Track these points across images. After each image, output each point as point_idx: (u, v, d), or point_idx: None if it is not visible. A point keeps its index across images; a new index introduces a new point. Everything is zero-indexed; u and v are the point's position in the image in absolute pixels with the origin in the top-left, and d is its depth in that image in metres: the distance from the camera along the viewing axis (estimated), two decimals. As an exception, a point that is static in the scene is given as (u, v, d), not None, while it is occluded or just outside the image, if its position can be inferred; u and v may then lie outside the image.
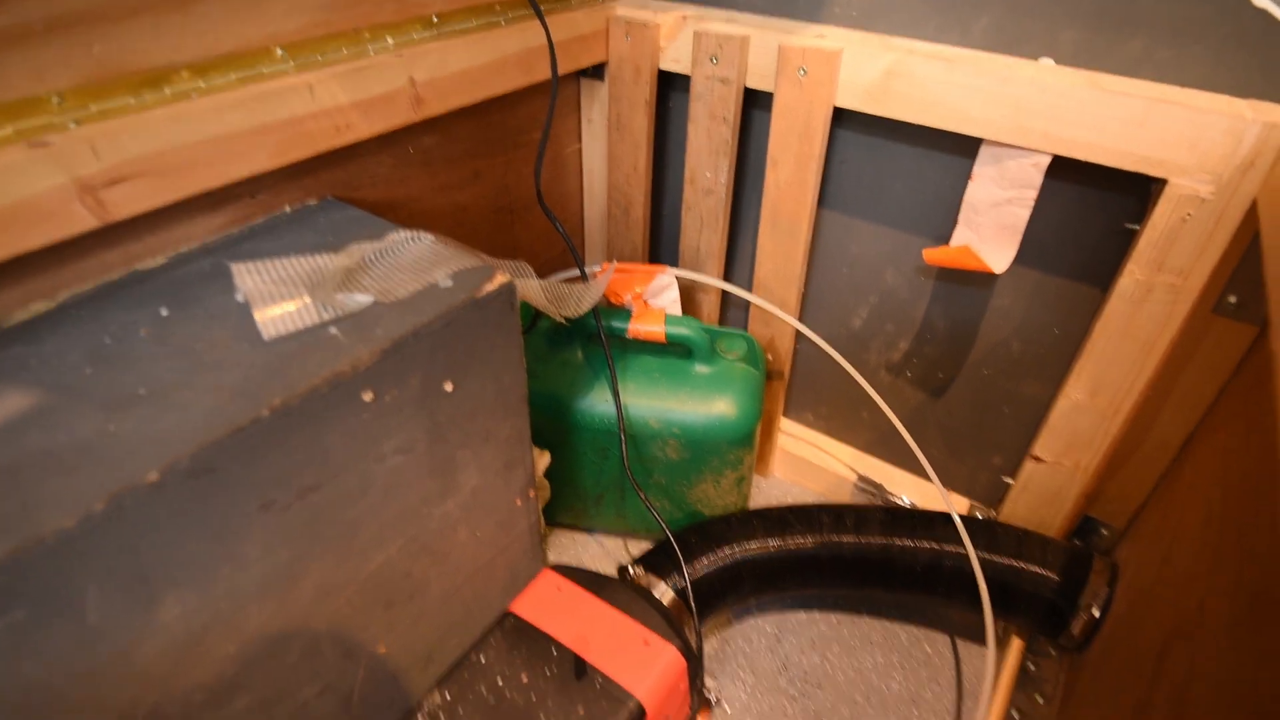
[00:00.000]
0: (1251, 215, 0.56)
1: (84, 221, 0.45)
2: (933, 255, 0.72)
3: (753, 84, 0.74)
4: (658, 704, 0.59)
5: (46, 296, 0.48)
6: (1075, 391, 0.71)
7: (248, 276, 0.49)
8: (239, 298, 0.47)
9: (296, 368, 0.42)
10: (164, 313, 0.47)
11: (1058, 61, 0.63)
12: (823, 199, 0.80)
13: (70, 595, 0.35)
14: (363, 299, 0.48)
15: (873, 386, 0.82)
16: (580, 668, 0.59)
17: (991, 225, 0.68)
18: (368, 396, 0.45)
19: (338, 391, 0.43)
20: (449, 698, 0.58)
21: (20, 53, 0.43)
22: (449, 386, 0.50)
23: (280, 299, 0.47)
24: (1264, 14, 0.54)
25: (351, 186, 0.65)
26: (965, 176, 0.68)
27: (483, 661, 0.61)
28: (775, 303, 0.83)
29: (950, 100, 0.64)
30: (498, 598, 0.65)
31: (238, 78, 0.52)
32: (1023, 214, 0.66)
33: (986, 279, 0.74)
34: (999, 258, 0.68)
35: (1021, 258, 0.71)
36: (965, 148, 0.68)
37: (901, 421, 0.80)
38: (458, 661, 0.61)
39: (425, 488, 0.52)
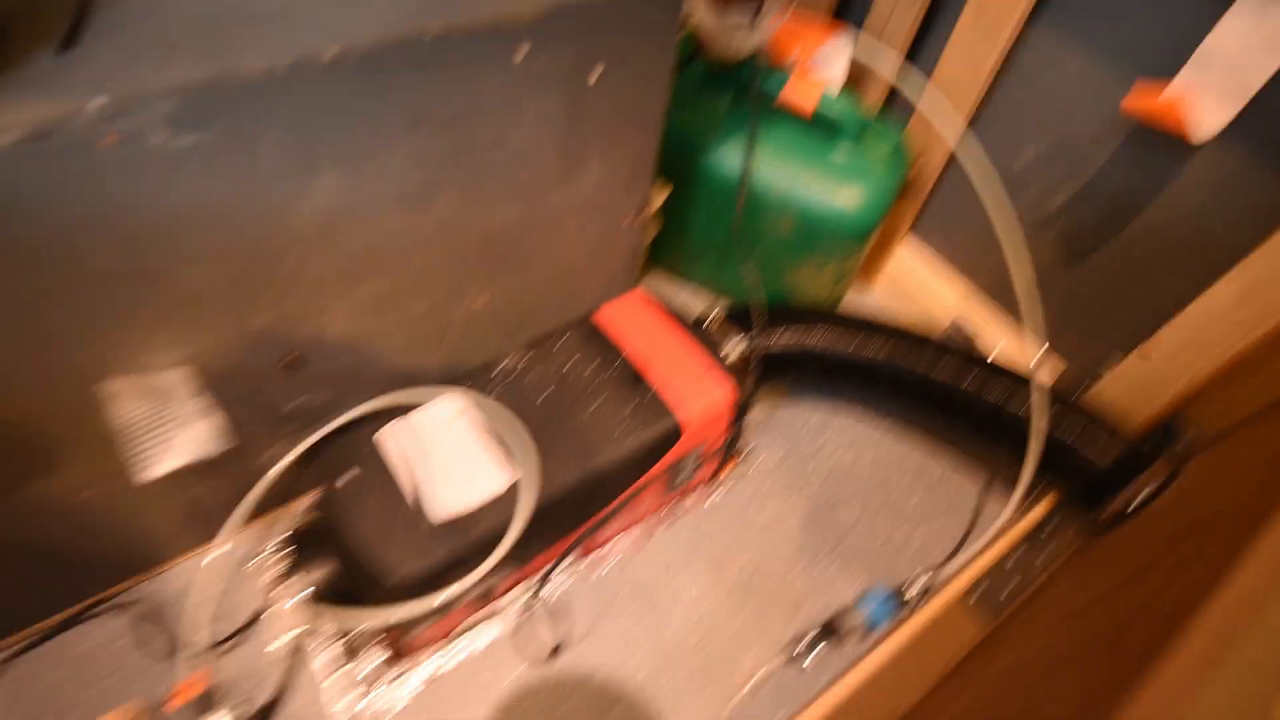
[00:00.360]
0: None
1: None
2: (1134, 105, 0.64)
3: None
4: (694, 431, 0.66)
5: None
6: (1221, 294, 0.66)
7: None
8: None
9: (465, 4, 0.45)
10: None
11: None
12: (1038, 10, 0.70)
13: (251, 135, 0.41)
14: (538, -42, 0.48)
15: (1012, 231, 0.78)
16: (637, 379, 0.66)
17: (1218, 82, 0.60)
18: (519, 54, 0.47)
19: (496, 38, 0.45)
20: (521, 365, 0.67)
21: None
22: (594, 76, 0.52)
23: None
24: None
25: None
26: (1211, 20, 0.59)
27: (557, 348, 0.68)
28: (947, 107, 0.77)
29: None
30: (588, 298, 0.71)
31: None
32: (1257, 80, 0.58)
33: (1180, 149, 0.66)
34: (1207, 121, 0.61)
35: (1225, 135, 0.62)
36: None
37: (1029, 276, 0.77)
38: (538, 340, 0.69)
39: (552, 167, 0.56)
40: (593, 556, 0.74)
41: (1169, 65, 0.64)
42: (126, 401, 0.46)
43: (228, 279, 0.47)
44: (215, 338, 0.49)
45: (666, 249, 0.88)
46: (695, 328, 0.72)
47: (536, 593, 0.69)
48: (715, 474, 0.80)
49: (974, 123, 0.81)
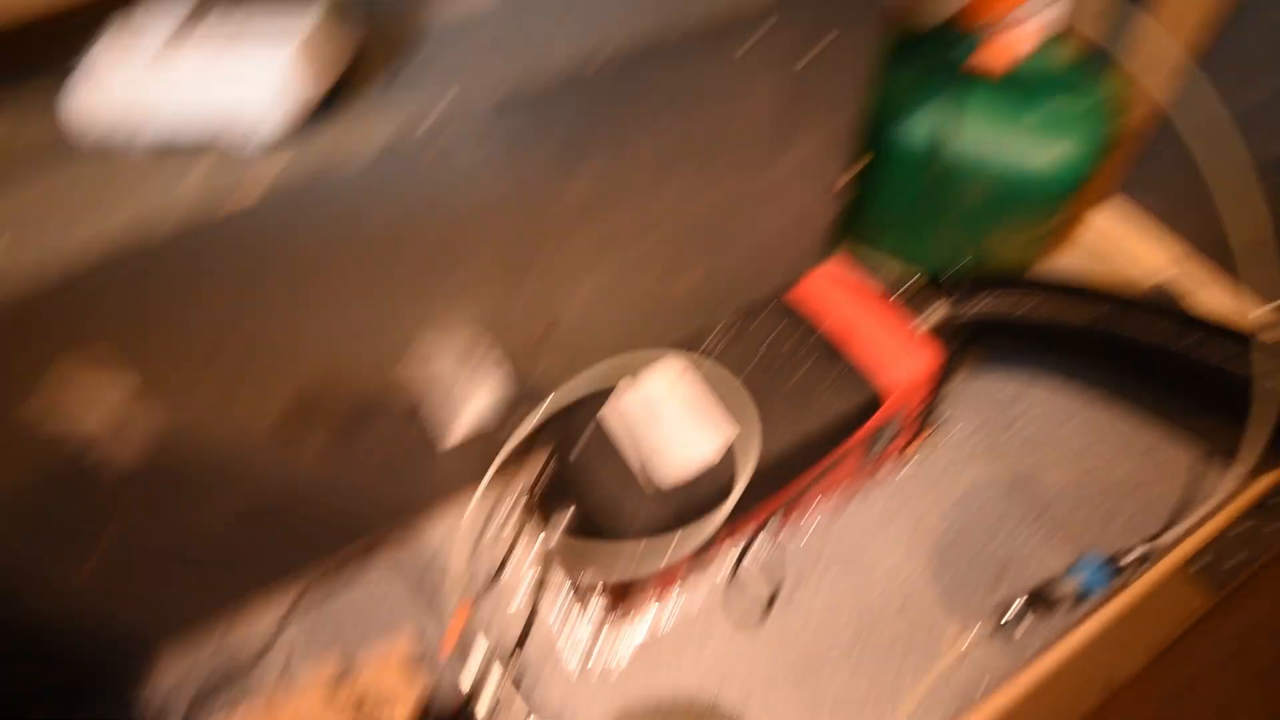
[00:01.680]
0: None
1: None
2: None
3: None
4: (894, 400, 0.68)
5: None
6: None
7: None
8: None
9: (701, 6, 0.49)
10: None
11: None
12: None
13: (535, 138, 0.48)
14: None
15: (1238, 182, 0.72)
16: (836, 349, 0.68)
17: None
18: (741, 49, 0.51)
19: (728, 30, 0.49)
20: (729, 337, 0.70)
21: None
22: (804, 62, 0.55)
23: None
24: None
25: None
26: None
27: (765, 315, 0.71)
28: (1165, 40, 0.72)
29: None
30: (790, 269, 0.74)
31: None
32: None
33: None
34: None
35: None
36: None
37: (1258, 226, 0.71)
38: (742, 312, 0.72)
39: (763, 147, 0.60)
40: (794, 522, 0.77)
41: None
42: (436, 360, 0.55)
43: (506, 258, 0.54)
44: (495, 304, 0.57)
45: (860, 218, 0.88)
46: (892, 296, 0.73)
47: (742, 556, 0.73)
48: (911, 442, 0.80)
49: (1208, 53, 0.74)
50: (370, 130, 0.42)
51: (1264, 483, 0.75)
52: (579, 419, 0.65)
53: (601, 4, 0.49)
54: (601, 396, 0.66)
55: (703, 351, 0.69)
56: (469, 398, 0.57)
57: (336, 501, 0.65)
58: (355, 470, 0.64)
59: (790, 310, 0.72)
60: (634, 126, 0.51)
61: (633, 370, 0.66)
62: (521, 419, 0.68)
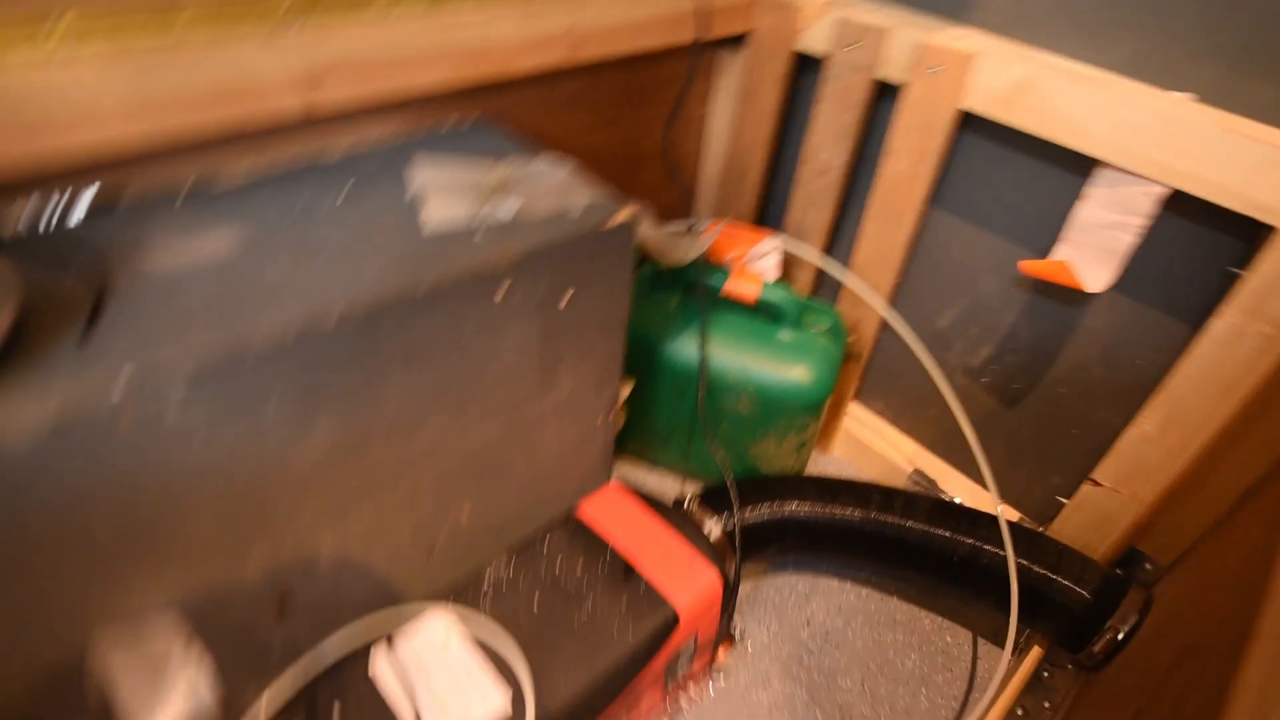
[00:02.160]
0: (1359, 276, 0.57)
1: (292, 105, 0.55)
2: (1029, 266, 0.74)
3: (884, 75, 0.77)
4: (691, 617, 0.66)
5: (249, 167, 0.58)
6: (1147, 423, 0.72)
7: (420, 174, 0.57)
8: (408, 195, 0.56)
9: (448, 258, 0.50)
10: (342, 196, 0.56)
11: (1197, 97, 0.63)
12: (933, 196, 0.82)
13: (258, 399, 0.44)
14: (506, 213, 0.55)
15: (947, 387, 0.85)
16: (629, 571, 0.67)
17: (1094, 246, 0.70)
18: (499, 295, 0.52)
19: (477, 284, 0.51)
20: (512, 570, 0.67)
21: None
22: (564, 301, 0.58)
23: (441, 200, 0.55)
24: None
25: (503, 115, 0.72)
26: (1076, 194, 0.70)
27: (546, 547, 0.69)
28: (869, 287, 0.87)
29: (1077, 118, 0.66)
30: (568, 497, 0.73)
31: (424, 7, 0.60)
32: (1127, 240, 0.68)
33: (1080, 299, 0.76)
34: (1095, 278, 0.70)
35: (1119, 283, 0.72)
36: (1082, 167, 0.70)
37: (969, 426, 0.83)
38: (524, 543, 0.69)
39: (529, 383, 0.60)
40: (599, 771, 0.70)
41: (1050, 232, 0.75)
42: (119, 658, 0.44)
43: (224, 527, 0.47)
44: (208, 581, 0.49)
45: (632, 438, 0.92)
46: (673, 512, 0.74)
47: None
48: (711, 661, 0.78)
49: (896, 294, 0.90)
50: (34, 404, 0.37)
51: (1029, 662, 0.81)
52: (337, 694, 0.56)
53: (344, 259, 0.49)
54: (360, 663, 0.58)
55: (485, 588, 0.64)
56: (172, 689, 0.47)
57: None
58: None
59: (577, 534, 0.70)
60: (383, 373, 0.49)
61: (394, 628, 0.60)
62: (264, 708, 0.57)
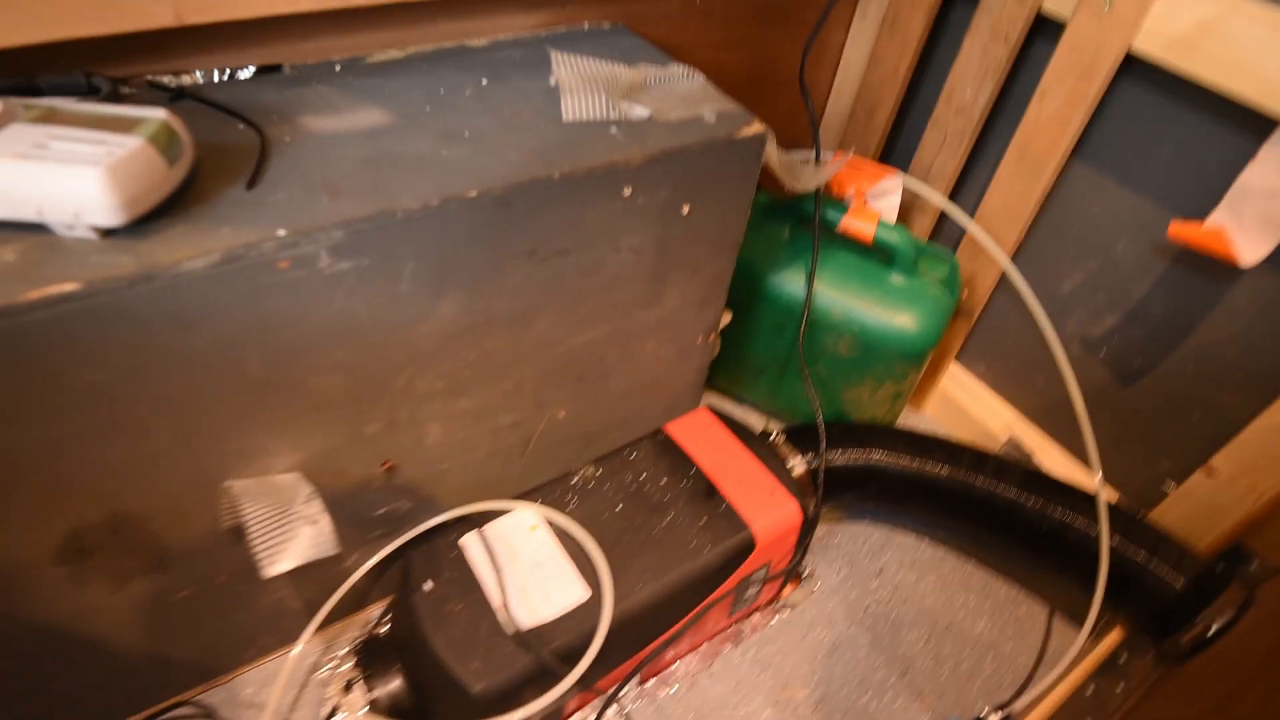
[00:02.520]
0: None
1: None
2: (1180, 231, 0.69)
3: (1049, 8, 0.71)
4: (767, 544, 0.67)
5: (397, 47, 0.59)
6: (1279, 416, 0.67)
7: (561, 65, 0.57)
8: (550, 81, 0.56)
9: (583, 148, 0.51)
10: (484, 81, 0.57)
11: None
12: (1079, 147, 0.77)
13: (397, 262, 0.46)
14: (642, 111, 0.55)
15: (1063, 354, 0.81)
16: (711, 490, 0.68)
17: (1257, 215, 0.64)
18: (627, 191, 0.52)
19: (608, 178, 0.51)
20: (600, 473, 0.68)
21: None
22: (686, 208, 0.57)
23: (580, 91, 0.55)
24: None
25: (640, 21, 0.71)
26: (1246, 157, 0.64)
27: (633, 458, 0.70)
28: (994, 239, 0.83)
29: (1263, 69, 0.60)
30: (659, 413, 0.74)
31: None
32: (1298, 212, 0.62)
33: (1226, 273, 0.70)
34: (1252, 249, 0.65)
35: (1273, 260, 0.66)
36: (1258, 126, 0.63)
37: (1080, 397, 0.79)
38: (615, 451, 0.71)
39: (639, 289, 0.61)
40: (659, 677, 0.72)
41: (1205, 198, 0.69)
42: (248, 501, 0.48)
43: (350, 390, 0.50)
44: (330, 443, 0.52)
45: (724, 372, 0.92)
46: (760, 443, 0.74)
47: (601, 713, 0.67)
48: (778, 595, 0.79)
49: (1020, 251, 0.86)
50: (209, 239, 0.39)
51: (1106, 644, 0.78)
52: (427, 565, 0.60)
53: (483, 140, 0.50)
54: (451, 541, 0.61)
55: (573, 489, 0.67)
56: (295, 537, 0.51)
57: (144, 646, 0.55)
58: (169, 610, 0.54)
59: (665, 451, 0.71)
60: (509, 258, 0.50)
61: (487, 516, 0.63)
62: (359, 564, 0.61)
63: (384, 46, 0.59)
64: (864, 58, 0.89)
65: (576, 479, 0.68)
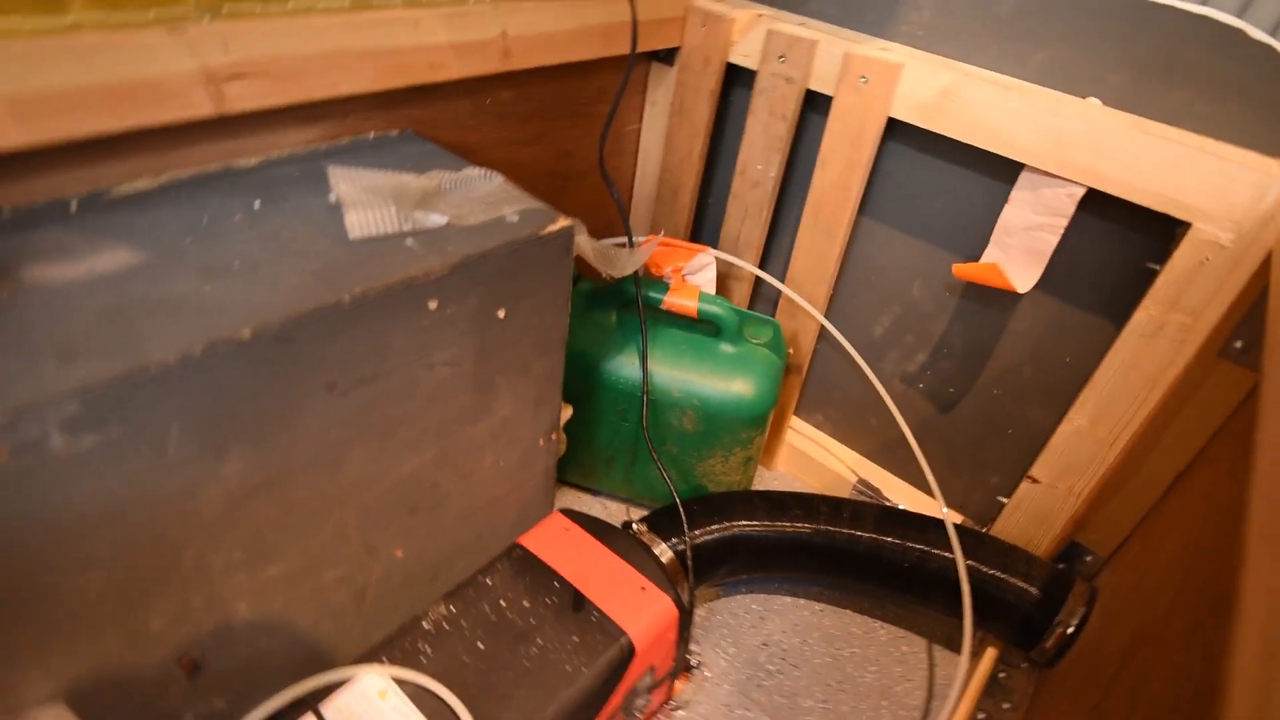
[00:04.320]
0: (1265, 267, 0.60)
1: (202, 108, 0.49)
2: (962, 270, 0.75)
3: (815, 86, 0.78)
4: (647, 646, 0.62)
5: (153, 174, 0.53)
6: (1078, 418, 0.74)
7: (341, 181, 0.53)
8: (331, 198, 0.51)
9: (375, 266, 0.46)
10: (257, 204, 0.51)
11: (1105, 102, 0.66)
12: (864, 205, 0.83)
13: (157, 427, 0.38)
14: (438, 219, 0.52)
15: (886, 394, 0.86)
16: (579, 601, 0.63)
17: (1021, 248, 0.72)
18: (432, 305, 0.49)
19: (409, 293, 0.47)
20: (454, 610, 0.61)
21: (169, -52, 0.47)
22: (501, 313, 0.54)
23: (366, 205, 0.51)
24: (1301, 80, 0.58)
25: (429, 125, 0.69)
26: (1002, 199, 0.72)
27: (488, 583, 0.64)
28: (805, 299, 0.87)
29: (999, 125, 0.68)
30: (509, 529, 0.68)
31: (352, 3, 0.56)
32: (1051, 240, 0.70)
33: (1008, 301, 0.78)
34: (1024, 278, 0.72)
35: (1043, 285, 0.74)
36: (1006, 172, 0.72)
37: (909, 431, 0.84)
38: (465, 581, 0.64)
39: (463, 404, 0.56)
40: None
41: (978, 238, 0.76)
42: None
43: (119, 585, 0.41)
44: (103, 653, 0.42)
45: (574, 465, 0.88)
46: (621, 538, 0.70)
47: None
48: (669, 695, 0.74)
49: (832, 304, 0.91)
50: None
51: (984, 665, 0.81)
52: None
53: (257, 270, 0.45)
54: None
55: (424, 634, 0.59)
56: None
57: None
58: None
59: (524, 566, 0.65)
60: (305, 395, 0.44)
61: (323, 696, 0.53)
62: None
63: (131, 177, 0.52)
64: (661, 143, 0.93)
65: (427, 623, 0.60)
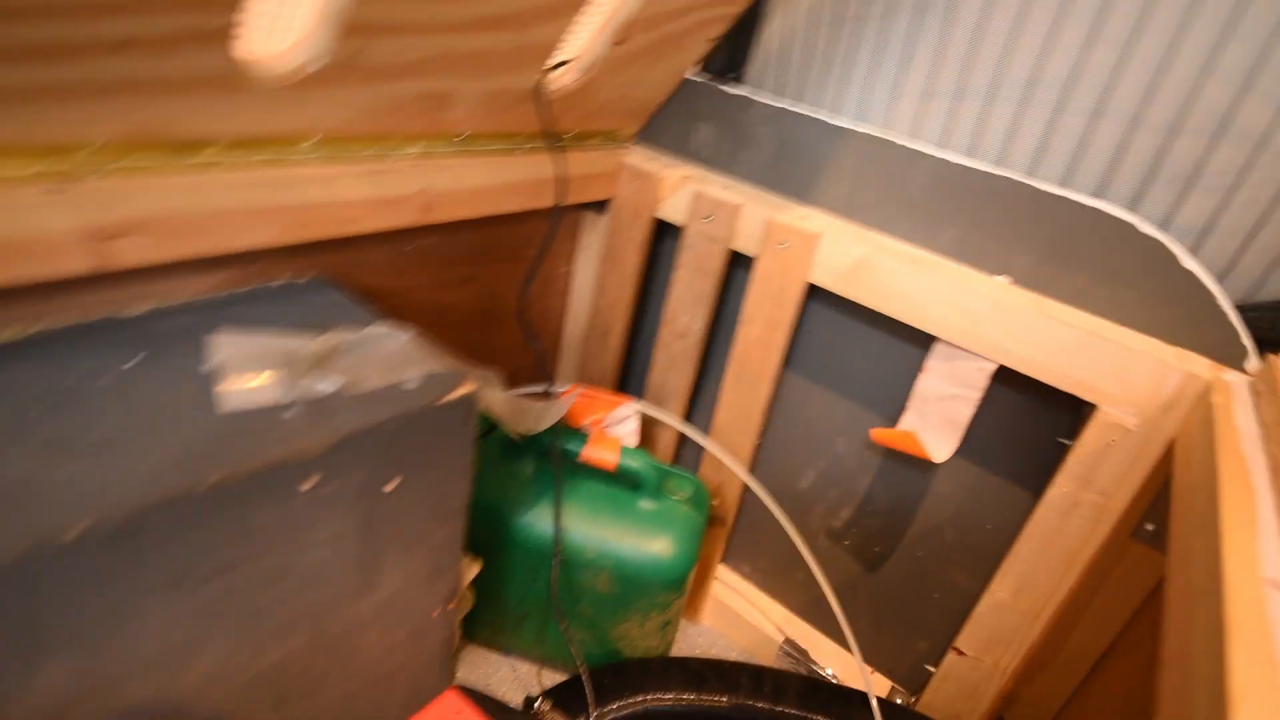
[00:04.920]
0: (1169, 454, 0.61)
1: (79, 265, 0.47)
2: (880, 435, 0.75)
3: (738, 246, 0.79)
4: None
5: (25, 323, 0.49)
6: (1000, 590, 0.73)
7: (223, 346, 0.50)
8: (205, 368, 0.48)
9: (245, 445, 0.43)
10: (130, 364, 0.48)
11: (1014, 280, 0.69)
12: (788, 361, 0.84)
13: (-49, 642, 0.33)
14: (328, 386, 0.49)
15: (811, 550, 0.83)
16: (464, 803, 0.56)
17: (937, 417, 0.72)
18: (306, 485, 0.45)
19: (280, 475, 0.43)
20: (318, 815, 0.54)
21: (72, 103, 0.46)
22: (391, 486, 0.51)
23: (248, 373, 0.48)
24: (1190, 274, 0.61)
25: (346, 271, 0.67)
26: (919, 366, 0.73)
27: (363, 779, 0.57)
28: (730, 450, 0.86)
29: (912, 296, 0.70)
30: (401, 707, 0.62)
31: (263, 159, 0.56)
32: (966, 411, 0.71)
33: (931, 466, 0.78)
34: (940, 448, 0.72)
35: (962, 451, 0.74)
36: (921, 340, 0.73)
37: (834, 590, 0.81)
38: (337, 774, 0.57)
39: (345, 583, 0.51)
40: None
41: (897, 398, 0.77)
42: None
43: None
44: None
45: (483, 622, 0.82)
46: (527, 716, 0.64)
47: None
48: None
49: (757, 455, 0.89)
50: None
51: None
52: None
53: (110, 448, 0.41)
54: None
55: None
56: None
57: None
58: None
59: (404, 758, 0.59)
60: (146, 594, 0.40)
61: None
62: None
63: (1, 326, 0.48)
64: (592, 286, 0.93)
65: (285, 832, 0.53)
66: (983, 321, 0.67)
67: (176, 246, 0.51)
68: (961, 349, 0.69)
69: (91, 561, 0.36)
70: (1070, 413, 0.68)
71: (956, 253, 0.72)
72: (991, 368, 0.68)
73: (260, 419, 0.45)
